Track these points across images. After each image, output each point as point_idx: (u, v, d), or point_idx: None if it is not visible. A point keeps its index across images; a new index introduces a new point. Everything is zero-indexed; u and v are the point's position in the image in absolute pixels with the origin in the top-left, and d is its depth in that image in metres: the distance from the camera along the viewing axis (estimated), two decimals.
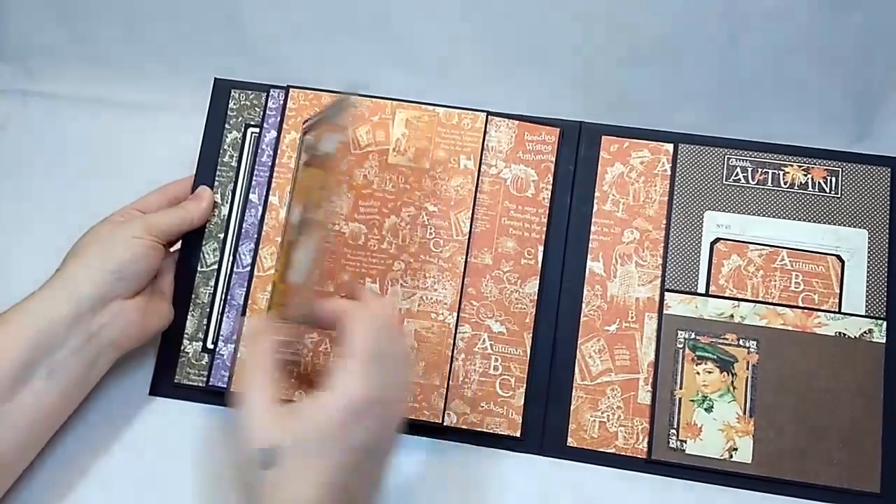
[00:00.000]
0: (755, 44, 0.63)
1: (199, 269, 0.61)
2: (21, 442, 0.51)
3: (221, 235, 0.62)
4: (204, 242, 0.62)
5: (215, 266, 0.61)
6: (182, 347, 0.60)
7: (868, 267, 0.60)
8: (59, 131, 0.71)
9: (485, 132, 0.61)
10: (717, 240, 0.61)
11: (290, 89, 0.62)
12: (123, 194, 0.60)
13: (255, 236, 0.61)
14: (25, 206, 0.68)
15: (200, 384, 0.60)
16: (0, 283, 0.63)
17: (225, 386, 0.59)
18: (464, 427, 0.58)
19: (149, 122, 0.70)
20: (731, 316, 0.59)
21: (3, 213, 0.68)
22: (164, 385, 0.61)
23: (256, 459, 0.40)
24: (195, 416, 0.60)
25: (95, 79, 0.72)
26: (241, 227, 0.62)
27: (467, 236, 0.60)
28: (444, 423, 0.58)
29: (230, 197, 0.63)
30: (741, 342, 0.59)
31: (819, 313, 0.59)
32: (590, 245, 0.62)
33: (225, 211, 0.62)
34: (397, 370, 0.46)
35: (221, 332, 0.60)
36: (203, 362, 0.60)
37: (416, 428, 0.58)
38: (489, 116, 0.61)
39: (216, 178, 0.63)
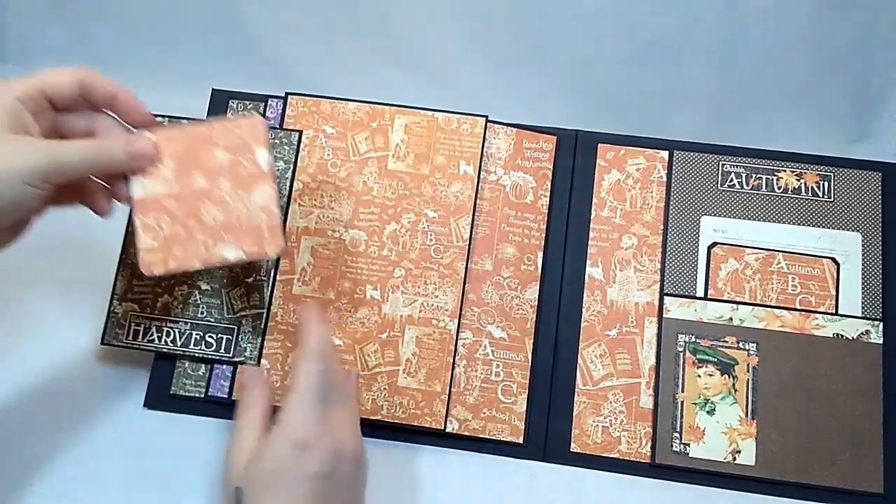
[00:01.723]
0: (754, 44, 0.65)
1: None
2: None
3: None
4: None
5: None
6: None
7: (863, 269, 0.60)
8: None
9: (484, 137, 0.61)
10: (714, 244, 0.62)
11: (289, 96, 0.63)
12: None
13: None
14: None
15: (198, 395, 0.59)
16: (1, 285, 0.62)
17: (226, 396, 0.58)
18: (466, 434, 0.58)
19: None
20: (731, 319, 0.60)
21: None
22: (160, 397, 0.60)
23: (234, 498, 0.45)
24: (192, 429, 0.59)
25: None
26: None
27: (467, 242, 0.60)
28: (447, 430, 0.58)
29: None
30: (741, 345, 0.59)
31: (817, 315, 0.59)
32: (588, 251, 0.62)
33: None
34: (341, 400, 0.49)
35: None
36: (200, 372, 0.59)
37: (418, 435, 0.58)
38: (488, 123, 0.62)
39: None
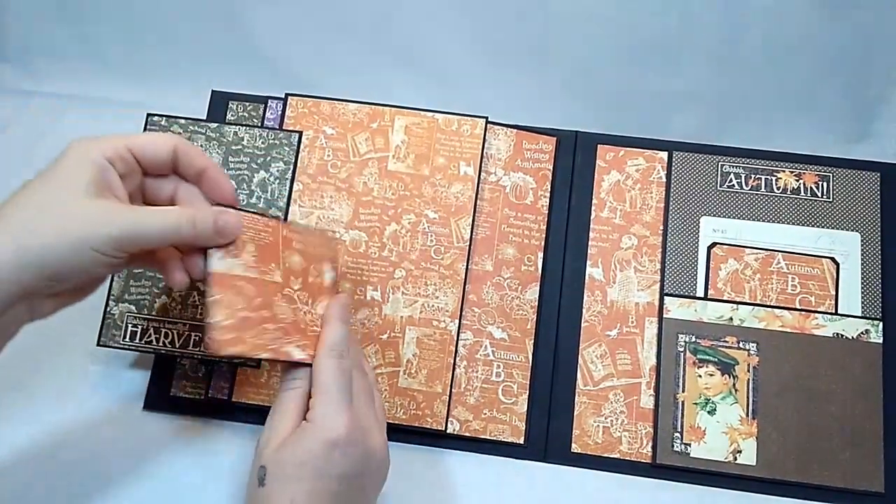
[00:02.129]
0: (754, 44, 0.65)
1: None
2: None
3: None
4: None
5: None
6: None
7: (862, 269, 0.60)
8: (60, 131, 0.71)
9: (484, 138, 0.61)
10: (714, 244, 0.62)
11: (289, 97, 0.63)
12: None
13: None
14: None
15: (198, 397, 0.59)
16: None
17: (226, 398, 0.58)
18: (467, 434, 0.58)
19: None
20: (731, 319, 0.60)
21: None
22: (160, 399, 0.59)
23: (256, 475, 0.44)
24: (192, 431, 0.59)
25: (96, 79, 0.73)
26: None
27: (468, 243, 0.60)
28: (447, 431, 0.57)
29: None
30: (741, 345, 0.59)
31: (816, 315, 0.60)
32: (589, 251, 0.62)
33: None
34: (368, 401, 0.48)
35: None
36: (200, 374, 0.59)
37: (419, 436, 0.58)
38: (488, 124, 0.62)
39: None
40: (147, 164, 0.46)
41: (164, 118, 0.62)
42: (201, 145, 0.61)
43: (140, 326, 0.59)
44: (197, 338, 0.59)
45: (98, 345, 0.58)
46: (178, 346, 0.59)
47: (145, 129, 0.62)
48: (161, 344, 0.59)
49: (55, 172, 0.43)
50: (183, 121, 0.62)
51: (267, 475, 0.44)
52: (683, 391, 0.58)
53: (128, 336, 0.59)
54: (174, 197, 0.48)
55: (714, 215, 0.62)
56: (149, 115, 0.62)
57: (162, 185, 0.48)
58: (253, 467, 0.45)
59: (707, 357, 0.59)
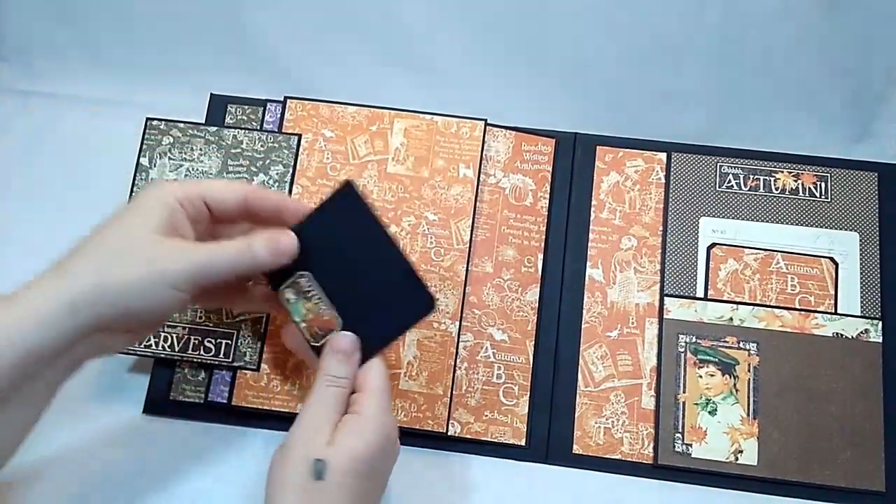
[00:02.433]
0: (754, 45, 0.65)
1: None
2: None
3: None
4: None
5: None
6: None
7: (861, 268, 0.61)
8: (59, 131, 0.71)
9: (483, 140, 0.61)
10: (713, 245, 0.62)
11: (288, 100, 0.62)
12: (123, 194, 0.59)
13: None
14: (25, 206, 0.67)
15: (198, 400, 0.59)
16: (1, 285, 0.61)
17: (225, 401, 0.58)
18: (468, 436, 0.58)
19: None
20: (731, 319, 0.60)
21: (4, 212, 0.67)
22: (159, 402, 0.59)
23: (311, 470, 0.43)
24: (192, 435, 0.59)
25: (95, 79, 0.72)
26: None
27: (468, 245, 0.60)
28: (448, 433, 0.57)
29: None
30: (741, 345, 0.59)
31: (816, 315, 0.60)
32: (588, 252, 0.62)
33: None
34: (392, 420, 0.49)
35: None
36: (200, 377, 0.59)
37: (420, 438, 0.58)
38: (487, 126, 0.62)
39: None
40: (216, 211, 0.48)
41: (164, 122, 0.61)
42: (200, 149, 0.61)
43: None
44: (196, 341, 0.58)
45: None
46: (177, 349, 0.58)
47: (144, 133, 0.61)
48: (160, 348, 0.58)
49: (131, 213, 0.45)
50: (182, 124, 0.62)
51: (328, 468, 0.43)
52: (684, 392, 0.58)
53: None
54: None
55: (713, 216, 0.62)
56: (148, 118, 0.62)
57: (232, 230, 0.50)
58: (293, 463, 0.44)
59: (707, 357, 0.59)
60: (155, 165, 0.61)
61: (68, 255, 0.43)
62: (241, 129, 0.62)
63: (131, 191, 0.60)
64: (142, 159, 0.61)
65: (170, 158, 0.61)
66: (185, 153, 0.61)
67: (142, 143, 0.61)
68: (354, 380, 0.48)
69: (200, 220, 0.47)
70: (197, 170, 0.61)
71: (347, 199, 0.49)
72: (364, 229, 0.49)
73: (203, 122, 0.63)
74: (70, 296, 0.41)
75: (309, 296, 0.50)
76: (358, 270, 0.49)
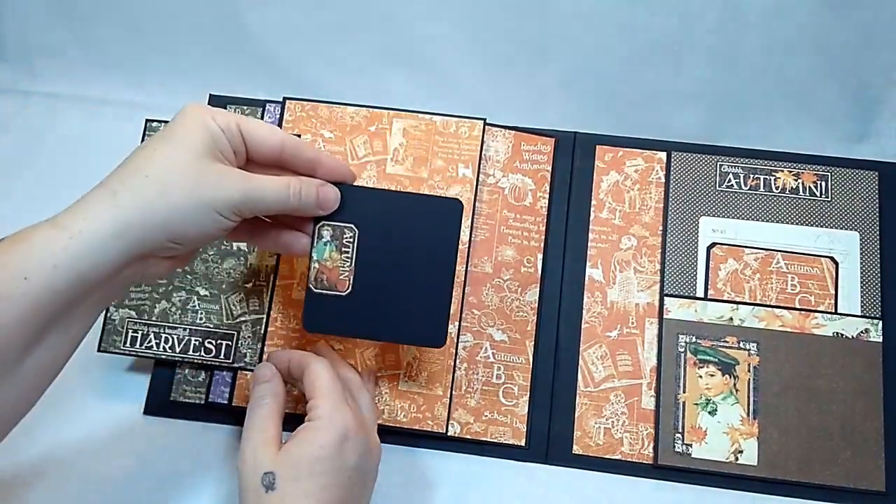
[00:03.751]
0: (754, 44, 0.65)
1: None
2: (25, 399, 0.43)
3: None
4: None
5: None
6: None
7: (861, 268, 0.61)
8: (59, 131, 0.71)
9: (482, 140, 0.61)
10: (713, 244, 0.62)
11: (287, 101, 0.62)
12: None
13: None
14: (26, 206, 0.67)
15: (198, 401, 0.59)
16: None
17: (226, 402, 0.58)
18: (468, 437, 0.58)
19: None
20: (731, 319, 0.60)
21: (3, 212, 0.67)
22: (160, 403, 0.59)
23: (261, 484, 0.45)
24: (192, 435, 0.59)
25: (95, 79, 0.73)
26: None
27: (467, 245, 0.60)
28: (448, 434, 0.57)
29: None
30: (741, 345, 0.59)
31: (816, 314, 0.60)
32: (588, 252, 0.62)
33: None
34: (365, 405, 0.52)
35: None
36: (201, 378, 0.59)
37: (420, 439, 0.58)
38: (486, 126, 0.62)
39: None
40: (253, 150, 0.47)
41: (163, 123, 0.61)
42: None
43: (140, 332, 0.59)
44: (196, 342, 0.58)
45: (98, 350, 0.58)
46: (178, 350, 0.58)
47: (144, 135, 0.61)
48: (161, 349, 0.59)
49: (174, 134, 0.44)
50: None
51: (277, 479, 0.45)
52: (684, 392, 0.58)
53: (128, 342, 0.59)
54: None
55: (713, 215, 0.62)
56: (147, 120, 0.62)
57: (266, 172, 0.48)
58: (247, 481, 0.46)
59: (707, 357, 0.59)
60: None
61: (114, 177, 0.42)
62: None
63: None
64: None
65: None
66: None
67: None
68: (281, 388, 0.51)
69: (239, 154, 0.46)
70: None
71: (446, 210, 0.51)
72: (439, 242, 0.50)
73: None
74: (118, 220, 0.40)
75: (342, 248, 0.50)
76: (403, 268, 0.50)
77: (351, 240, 0.50)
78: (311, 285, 0.50)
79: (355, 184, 0.51)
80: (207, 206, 0.43)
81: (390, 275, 0.50)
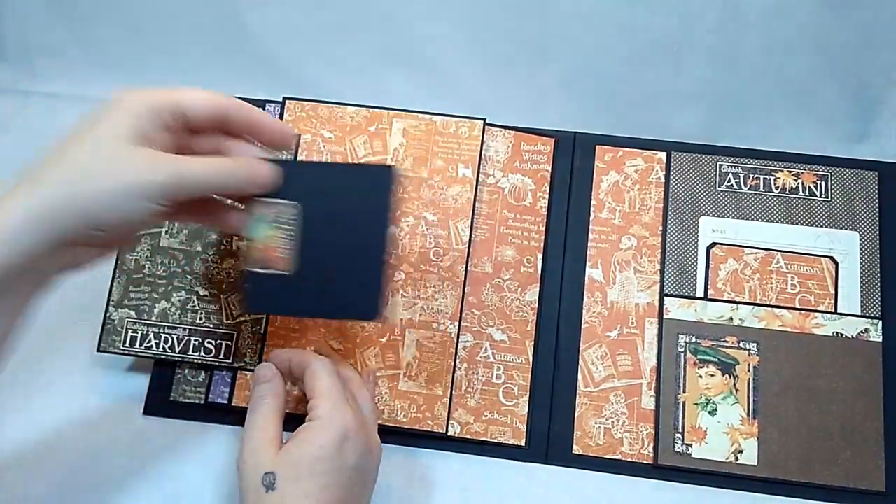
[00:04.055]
0: (754, 44, 0.65)
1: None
2: None
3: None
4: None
5: None
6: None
7: (861, 268, 0.61)
8: (60, 131, 0.70)
9: (482, 140, 0.61)
10: (713, 244, 0.62)
11: (287, 101, 0.62)
12: None
13: None
14: None
15: (198, 401, 0.59)
16: None
17: (226, 402, 0.58)
18: (468, 437, 0.58)
19: None
20: (731, 319, 0.60)
21: None
22: (160, 403, 0.59)
23: (261, 484, 0.45)
24: (192, 435, 0.59)
25: (95, 79, 0.72)
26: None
27: (467, 245, 0.60)
28: (448, 434, 0.57)
29: None
30: (741, 345, 0.59)
31: (816, 314, 0.60)
32: (588, 252, 0.62)
33: None
34: (362, 393, 0.52)
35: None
36: (200, 378, 0.59)
37: (420, 438, 0.58)
38: (486, 126, 0.62)
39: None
40: (192, 120, 0.45)
41: None
42: None
43: (140, 332, 0.59)
44: (196, 342, 0.58)
45: (98, 350, 0.58)
46: (177, 350, 0.58)
47: None
48: (160, 349, 0.58)
49: (99, 122, 0.43)
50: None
51: (277, 479, 0.45)
52: (684, 392, 0.58)
53: (128, 342, 0.59)
54: (219, 151, 0.48)
55: (713, 215, 0.62)
56: None
57: (206, 141, 0.48)
58: (247, 481, 0.46)
59: (707, 357, 0.59)
60: None
61: (36, 168, 0.41)
62: None
63: None
64: None
65: None
66: None
67: None
68: (281, 388, 0.51)
69: (174, 129, 0.45)
70: None
71: (381, 177, 0.48)
72: (373, 213, 0.48)
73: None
74: (36, 209, 0.40)
75: (281, 226, 0.48)
76: (342, 242, 0.49)
77: (289, 216, 0.48)
78: (245, 267, 0.49)
79: (296, 159, 0.50)
80: (133, 192, 0.41)
81: (331, 250, 0.48)
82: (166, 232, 0.60)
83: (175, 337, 0.59)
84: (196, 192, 0.44)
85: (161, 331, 0.59)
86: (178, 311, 0.59)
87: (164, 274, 0.60)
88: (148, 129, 0.43)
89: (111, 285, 0.59)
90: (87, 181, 0.41)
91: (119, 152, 0.42)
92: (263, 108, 0.63)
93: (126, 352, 0.58)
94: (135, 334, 0.59)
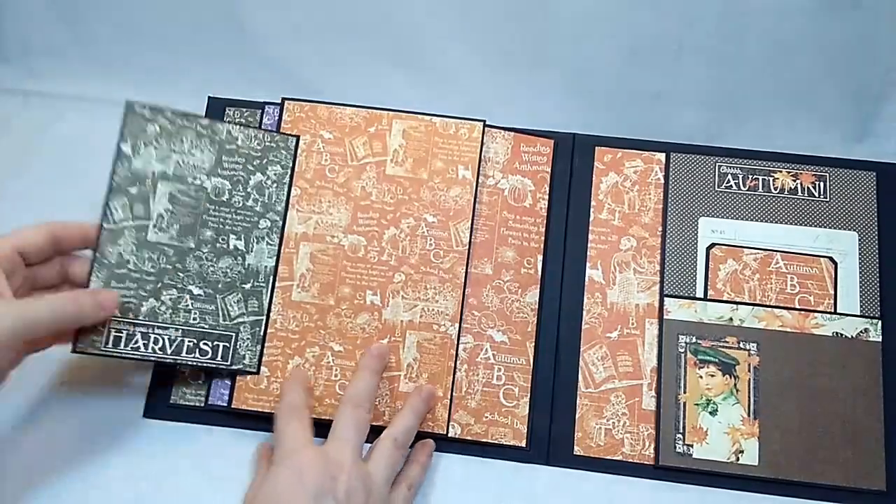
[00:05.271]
0: (754, 44, 0.65)
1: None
2: None
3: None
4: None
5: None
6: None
7: (860, 268, 0.61)
8: (59, 131, 0.71)
9: (482, 142, 0.61)
10: (713, 245, 0.62)
11: (286, 102, 0.62)
12: None
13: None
14: (25, 206, 0.67)
15: (198, 404, 0.58)
16: None
17: (226, 405, 0.58)
18: (468, 438, 0.58)
19: None
20: (731, 319, 0.60)
21: (4, 212, 0.67)
22: (159, 406, 0.59)
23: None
24: (192, 438, 0.58)
25: (95, 79, 0.72)
26: None
27: (467, 247, 0.60)
28: (449, 435, 0.57)
29: None
30: (742, 345, 0.59)
31: (816, 314, 0.60)
32: (588, 253, 0.62)
33: None
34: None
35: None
36: (200, 381, 0.59)
37: (421, 440, 0.57)
38: (486, 127, 0.62)
39: None
40: (30, 257, 0.51)
41: (148, 109, 0.58)
42: (191, 141, 0.59)
43: (125, 332, 0.55)
44: (191, 344, 0.57)
45: (74, 351, 0.54)
46: (169, 352, 0.56)
47: (125, 121, 0.58)
48: (150, 350, 0.56)
49: None
50: (170, 113, 0.58)
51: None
52: (685, 392, 0.58)
53: (110, 342, 0.55)
54: (63, 275, 0.55)
55: (712, 216, 0.62)
56: (128, 102, 0.58)
57: (49, 268, 0.54)
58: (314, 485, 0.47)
59: (708, 358, 0.59)
60: (139, 154, 0.58)
61: None
62: (237, 124, 0.60)
63: (111, 178, 0.57)
64: (123, 146, 0.58)
65: (155, 148, 0.58)
66: (174, 144, 0.58)
67: (122, 128, 0.58)
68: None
69: (17, 271, 0.50)
70: (188, 163, 0.58)
71: None
72: None
73: (196, 114, 0.62)
74: None
75: None
76: None
77: None
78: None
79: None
80: None
81: None
82: (154, 226, 0.57)
83: (166, 338, 0.56)
84: (48, 330, 0.48)
85: (150, 331, 0.56)
86: (170, 311, 0.57)
87: (153, 270, 0.57)
88: None
89: (88, 278, 0.55)
90: None
91: None
92: (263, 110, 0.63)
93: (107, 353, 0.55)
94: (119, 334, 0.55)
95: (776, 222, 0.62)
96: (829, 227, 0.62)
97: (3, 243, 0.49)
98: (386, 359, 0.57)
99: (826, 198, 0.62)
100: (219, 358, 0.58)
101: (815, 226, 0.62)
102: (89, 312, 0.51)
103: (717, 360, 0.59)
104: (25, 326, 0.46)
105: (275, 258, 0.60)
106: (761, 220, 0.62)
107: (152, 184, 0.57)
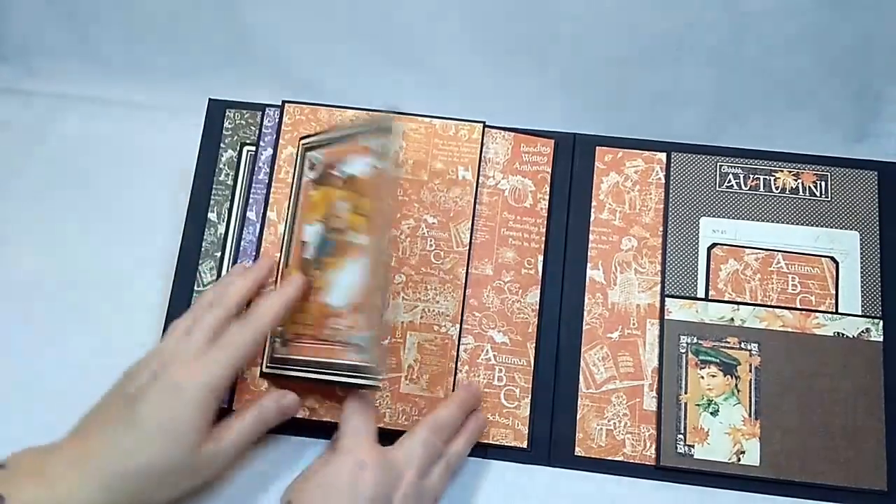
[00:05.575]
0: (754, 44, 0.65)
1: (195, 289, 0.60)
2: None
3: (218, 254, 0.61)
4: (200, 262, 0.61)
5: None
6: None
7: (861, 267, 0.61)
8: (60, 131, 0.71)
9: (482, 143, 0.61)
10: (714, 245, 0.62)
11: (286, 104, 0.62)
12: (123, 195, 0.59)
13: (253, 254, 0.60)
14: (25, 206, 0.67)
15: None
16: (1, 284, 0.62)
17: (225, 406, 0.58)
18: None
19: (149, 122, 0.70)
20: (732, 319, 0.60)
21: (4, 212, 0.67)
22: None
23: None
24: None
25: (95, 79, 0.72)
26: (238, 245, 0.61)
27: (467, 247, 0.60)
28: None
29: (227, 215, 0.62)
30: (743, 345, 0.59)
31: (817, 314, 0.60)
32: (589, 253, 0.62)
33: (222, 229, 0.62)
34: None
35: None
36: None
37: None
38: (486, 128, 0.62)
39: (212, 197, 0.62)
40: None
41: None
42: None
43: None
44: None
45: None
46: None
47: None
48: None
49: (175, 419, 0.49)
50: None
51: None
52: (686, 392, 0.58)
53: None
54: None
55: (713, 216, 0.62)
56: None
57: None
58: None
59: (709, 358, 0.59)
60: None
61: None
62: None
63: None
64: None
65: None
66: None
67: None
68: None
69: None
70: None
71: None
72: None
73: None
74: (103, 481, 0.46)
75: None
76: None
77: None
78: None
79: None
80: (209, 477, 0.51)
81: None
82: None
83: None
84: (245, 445, 0.52)
85: None
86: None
87: None
88: (210, 413, 0.50)
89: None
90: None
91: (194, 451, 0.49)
92: (263, 112, 0.63)
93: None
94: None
95: (777, 222, 0.62)
96: (831, 227, 0.62)
97: (219, 375, 0.50)
98: (479, 400, 0.57)
99: (827, 197, 0.62)
100: None
101: (817, 225, 0.62)
102: (272, 422, 0.54)
103: (718, 360, 0.59)
104: (236, 453, 0.51)
105: (279, 260, 0.60)
106: (762, 220, 0.62)
107: None
